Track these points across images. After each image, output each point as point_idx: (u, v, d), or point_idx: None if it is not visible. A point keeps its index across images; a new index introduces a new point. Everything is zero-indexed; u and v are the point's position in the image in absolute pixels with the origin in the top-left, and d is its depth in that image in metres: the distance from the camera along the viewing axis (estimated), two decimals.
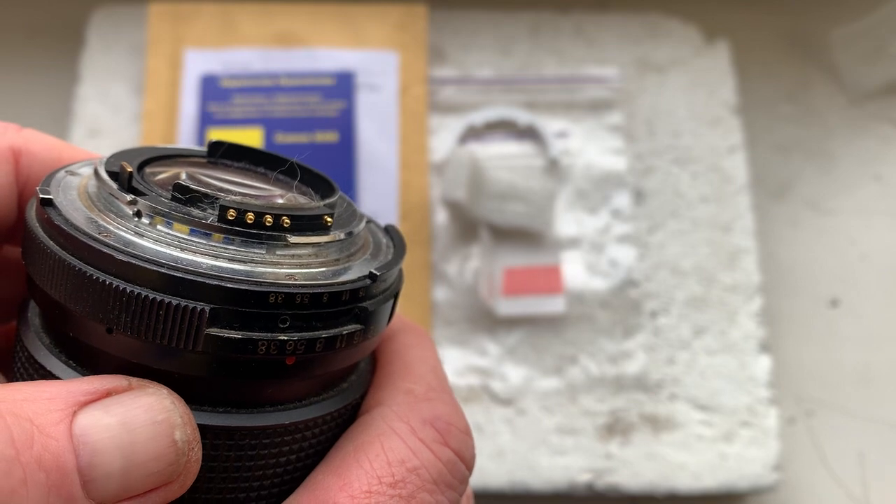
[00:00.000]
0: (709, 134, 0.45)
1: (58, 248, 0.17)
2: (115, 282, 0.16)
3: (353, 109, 0.43)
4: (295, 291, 0.17)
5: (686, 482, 0.38)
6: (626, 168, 0.44)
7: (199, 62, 0.44)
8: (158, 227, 0.17)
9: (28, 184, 0.20)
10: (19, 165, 0.19)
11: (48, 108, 0.46)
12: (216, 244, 0.17)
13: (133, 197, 0.17)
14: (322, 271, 0.18)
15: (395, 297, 0.20)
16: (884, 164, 0.47)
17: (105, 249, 0.16)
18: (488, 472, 0.38)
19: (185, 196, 0.17)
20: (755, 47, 0.49)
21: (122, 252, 0.16)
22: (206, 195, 0.17)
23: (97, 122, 0.44)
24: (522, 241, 0.41)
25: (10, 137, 0.20)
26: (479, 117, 0.44)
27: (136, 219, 0.17)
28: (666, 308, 0.41)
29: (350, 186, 0.42)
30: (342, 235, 0.18)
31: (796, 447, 0.41)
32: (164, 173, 0.19)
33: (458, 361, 0.40)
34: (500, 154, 0.43)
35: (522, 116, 0.44)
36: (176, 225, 0.17)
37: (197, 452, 0.16)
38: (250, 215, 0.17)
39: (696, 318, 0.41)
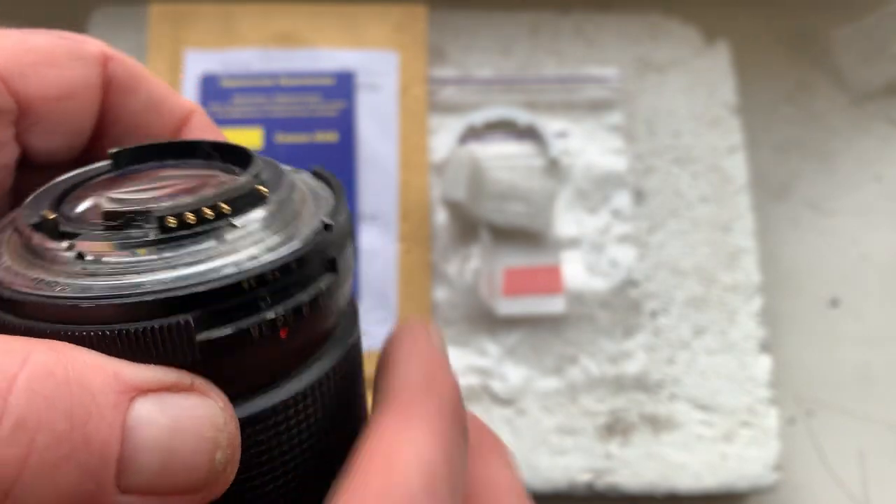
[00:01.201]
0: (709, 134, 0.45)
1: (24, 321, 0.16)
2: (94, 329, 0.15)
3: (353, 109, 0.43)
4: (263, 270, 0.16)
5: (686, 482, 0.38)
6: (626, 168, 0.44)
7: (199, 62, 0.44)
8: (105, 259, 0.16)
9: (111, 84, 0.20)
10: (106, 69, 0.20)
11: None
12: (168, 255, 0.17)
13: (69, 242, 0.17)
14: (279, 240, 0.17)
15: (351, 231, 0.20)
16: (884, 164, 0.47)
17: (70, 303, 0.16)
18: None
19: (118, 221, 0.17)
20: (755, 47, 0.49)
21: (87, 299, 0.16)
22: (137, 213, 0.17)
23: None
24: (522, 241, 0.41)
25: (99, 45, 0.20)
26: (479, 117, 0.44)
27: (81, 261, 0.16)
28: (666, 308, 0.41)
29: (350, 186, 0.42)
30: (282, 198, 0.18)
31: (796, 447, 0.41)
32: (82, 204, 0.19)
33: (458, 361, 0.40)
34: (500, 154, 0.43)
35: (522, 116, 0.44)
36: (122, 252, 0.16)
37: (230, 473, 0.15)
38: (189, 216, 0.17)
39: (696, 318, 0.41)
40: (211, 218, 0.17)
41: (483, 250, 0.41)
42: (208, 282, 0.16)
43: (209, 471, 0.15)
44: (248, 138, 0.42)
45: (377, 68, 0.44)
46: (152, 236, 0.16)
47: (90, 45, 0.20)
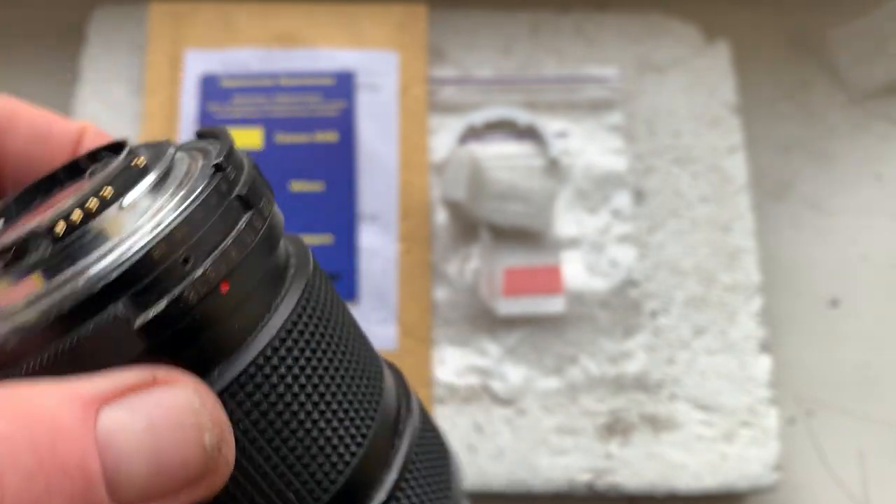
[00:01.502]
0: (709, 134, 0.45)
1: None
2: (31, 361, 0.15)
3: (353, 109, 0.43)
4: (170, 230, 0.16)
5: (686, 482, 0.38)
6: (626, 168, 0.44)
7: (199, 62, 0.44)
8: (11, 294, 0.16)
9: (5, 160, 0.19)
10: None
11: (48, 108, 0.46)
12: (74, 261, 0.16)
13: None
14: (175, 200, 0.17)
15: (255, 166, 0.19)
16: (884, 163, 0.47)
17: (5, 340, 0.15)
18: (488, 472, 0.38)
19: (11, 252, 0.16)
20: (755, 47, 0.48)
21: (11, 334, 0.15)
22: (27, 237, 0.16)
23: (97, 122, 0.44)
24: (522, 242, 0.41)
25: None
26: (479, 117, 0.44)
27: None
28: (666, 308, 0.41)
29: (350, 186, 0.42)
30: (167, 166, 0.17)
31: (796, 447, 0.41)
32: None
33: (458, 361, 0.40)
34: (500, 154, 0.43)
35: (522, 116, 0.44)
36: (33, 277, 0.16)
37: (227, 453, 0.15)
38: (75, 213, 0.16)
39: (696, 318, 0.41)
40: (96, 207, 0.16)
41: (483, 250, 0.41)
42: (121, 265, 0.15)
43: (203, 458, 0.14)
44: (248, 138, 0.42)
45: (377, 68, 0.44)
46: (49, 250, 0.16)
47: None
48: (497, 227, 0.41)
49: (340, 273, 0.41)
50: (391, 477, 0.20)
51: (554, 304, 0.40)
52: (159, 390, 0.14)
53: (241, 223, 0.17)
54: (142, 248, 0.15)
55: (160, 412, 0.14)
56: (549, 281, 0.40)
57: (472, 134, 0.44)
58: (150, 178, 0.17)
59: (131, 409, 0.14)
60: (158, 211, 0.16)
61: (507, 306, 0.40)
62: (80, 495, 0.13)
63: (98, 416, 0.13)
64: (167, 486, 0.14)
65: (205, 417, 0.14)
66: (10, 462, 0.12)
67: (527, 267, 0.40)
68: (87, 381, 0.14)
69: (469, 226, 0.42)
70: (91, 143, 0.21)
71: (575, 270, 0.41)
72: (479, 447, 0.39)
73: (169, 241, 0.16)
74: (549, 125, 0.44)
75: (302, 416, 0.18)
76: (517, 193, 0.41)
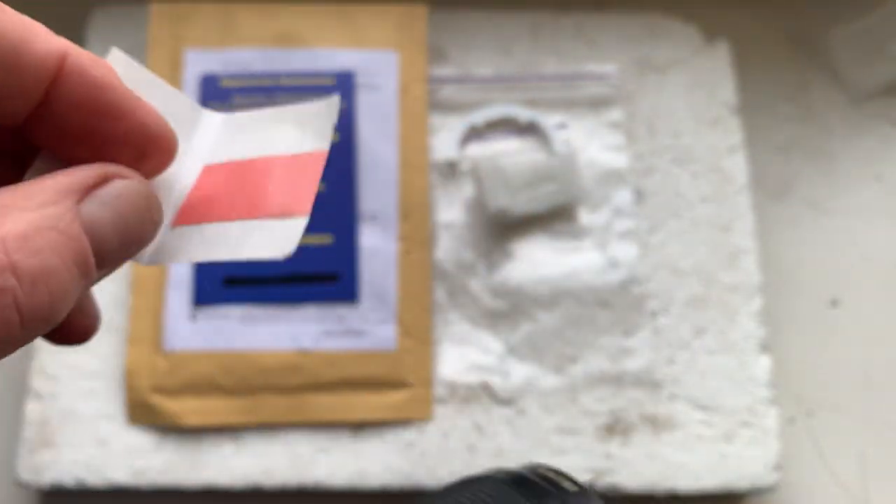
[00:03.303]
0: (709, 134, 0.45)
1: None
2: None
3: (352, 109, 0.43)
4: None
5: (686, 482, 0.38)
6: (626, 165, 0.44)
7: (199, 62, 0.44)
8: None
9: (57, 99, 0.17)
10: (57, 79, 0.17)
11: None
12: None
13: None
14: None
15: None
16: (884, 164, 0.47)
17: None
18: None
19: None
20: (755, 47, 0.49)
21: None
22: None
23: None
24: (555, 225, 0.42)
25: (64, 44, 0.17)
26: (480, 116, 0.44)
27: None
28: (666, 308, 0.41)
29: (350, 186, 0.42)
30: None
31: (796, 447, 0.41)
32: None
33: (458, 361, 0.40)
34: (504, 151, 0.43)
35: (523, 113, 0.44)
36: None
37: (159, 220, 0.19)
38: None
39: (696, 318, 0.41)
40: None
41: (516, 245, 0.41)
42: None
43: (154, 226, 0.19)
44: None
45: (377, 68, 0.44)
46: None
47: None
48: (532, 216, 0.41)
49: (340, 273, 0.41)
50: None
51: (281, 235, 0.19)
52: (117, 183, 0.17)
53: None
54: None
55: (123, 202, 0.17)
56: (295, 185, 0.20)
57: (474, 133, 0.44)
58: None
59: (102, 202, 0.17)
60: None
61: (174, 241, 0.20)
62: (82, 262, 0.16)
63: (80, 208, 0.17)
64: (130, 252, 0.18)
65: (153, 199, 0.18)
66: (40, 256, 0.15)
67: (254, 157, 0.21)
68: (64, 180, 0.17)
69: (503, 227, 0.42)
70: (74, 83, 0.17)
71: (576, 269, 0.41)
72: (479, 447, 0.39)
73: None
74: (550, 122, 0.44)
75: None
76: (542, 174, 0.41)
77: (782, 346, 0.43)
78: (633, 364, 0.40)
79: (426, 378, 0.40)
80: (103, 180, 0.17)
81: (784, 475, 0.39)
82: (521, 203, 0.41)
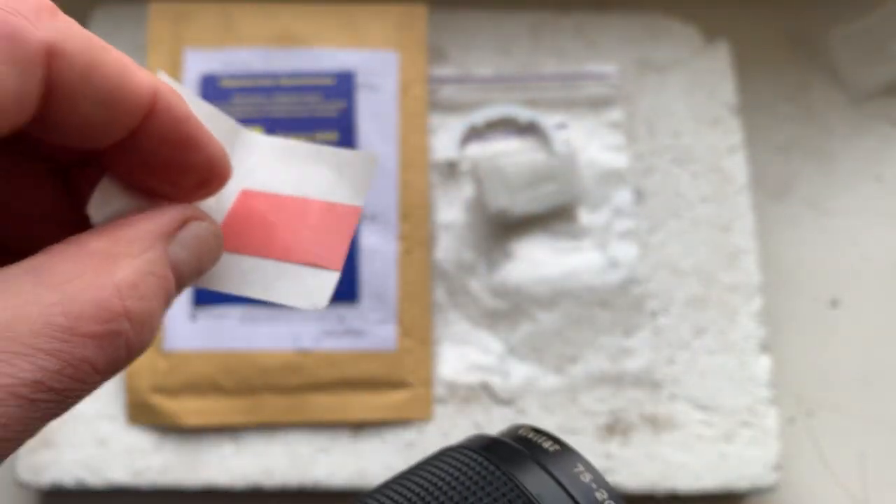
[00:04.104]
0: (709, 134, 0.45)
1: None
2: None
3: (353, 109, 0.43)
4: None
5: (686, 482, 0.38)
6: (626, 165, 0.44)
7: (199, 62, 0.44)
8: None
9: (54, 88, 0.16)
10: (51, 70, 0.16)
11: None
12: None
13: None
14: None
15: None
16: (884, 164, 0.47)
17: None
18: None
19: None
20: (755, 47, 0.49)
21: None
22: None
23: None
24: (553, 225, 0.42)
25: (45, 29, 0.16)
26: (480, 116, 0.44)
27: None
28: (666, 308, 0.41)
29: None
30: None
31: (796, 447, 0.41)
32: None
33: (458, 361, 0.40)
34: (504, 151, 0.43)
35: (523, 113, 0.44)
36: None
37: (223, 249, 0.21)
38: None
39: (696, 318, 0.41)
40: None
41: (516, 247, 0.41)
42: None
43: (217, 260, 0.20)
44: None
45: (377, 68, 0.44)
46: None
47: (32, 40, 0.15)
48: (533, 216, 0.41)
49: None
50: None
51: (313, 288, 0.20)
52: (194, 226, 0.19)
53: None
54: None
55: (198, 242, 0.19)
56: (328, 238, 0.21)
57: (474, 133, 0.44)
58: None
59: (182, 244, 0.18)
60: None
61: (221, 275, 0.22)
62: (170, 299, 0.18)
63: (167, 251, 0.18)
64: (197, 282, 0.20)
65: (220, 238, 0.20)
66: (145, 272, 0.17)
67: (291, 196, 0.21)
68: (154, 226, 0.18)
69: (503, 227, 0.42)
70: (163, 117, 0.18)
71: (576, 269, 0.41)
72: None
73: None
74: (550, 122, 0.44)
75: None
76: (542, 174, 0.41)
77: (782, 346, 0.43)
78: (633, 364, 0.40)
79: (426, 378, 0.40)
80: (184, 223, 0.18)
81: (784, 475, 0.39)
82: (521, 203, 0.41)
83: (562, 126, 0.44)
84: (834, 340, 0.44)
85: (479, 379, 0.40)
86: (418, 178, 0.43)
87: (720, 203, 0.43)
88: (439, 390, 0.40)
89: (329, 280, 0.19)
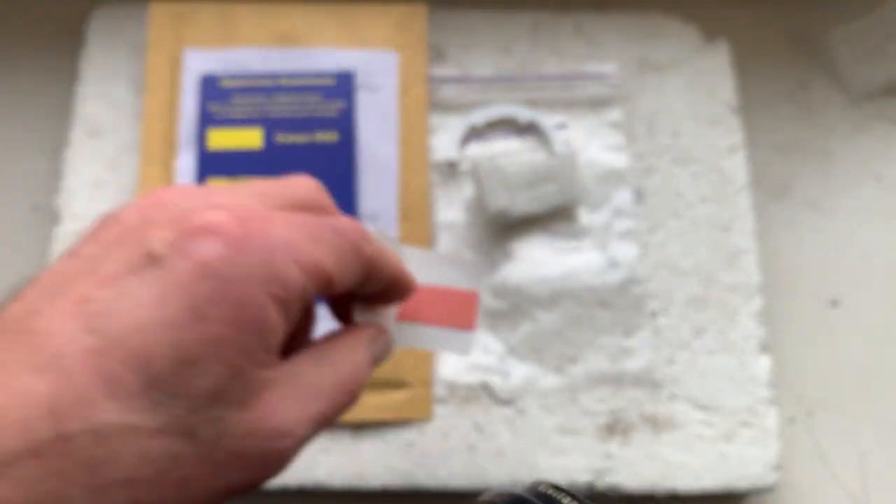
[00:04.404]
0: (709, 134, 0.45)
1: None
2: None
3: (353, 109, 0.43)
4: None
5: (686, 482, 0.38)
6: (626, 165, 0.44)
7: (199, 62, 0.44)
8: None
9: (368, 278, 0.26)
10: (369, 268, 0.26)
11: (48, 108, 0.46)
12: None
13: None
14: None
15: None
16: (884, 163, 0.47)
17: None
18: (488, 472, 0.38)
19: None
20: (755, 47, 0.49)
21: None
22: None
23: (97, 121, 0.44)
24: (553, 226, 0.42)
25: (369, 247, 0.25)
26: (480, 116, 0.44)
27: None
28: (666, 308, 0.41)
29: (350, 186, 0.42)
30: None
31: (796, 447, 0.41)
32: None
33: (458, 361, 0.40)
34: (504, 151, 0.43)
35: (523, 113, 0.44)
36: None
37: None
38: None
39: (696, 318, 0.41)
40: None
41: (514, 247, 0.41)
42: None
43: (391, 352, 0.29)
44: (248, 138, 0.42)
45: (377, 68, 0.44)
46: None
47: (367, 251, 0.25)
48: (532, 216, 0.41)
49: None
50: None
51: (460, 343, 0.32)
52: (381, 338, 0.28)
53: None
54: None
55: (382, 346, 0.28)
56: (462, 311, 0.31)
57: (474, 133, 0.44)
58: None
59: (374, 348, 0.27)
60: None
61: (400, 336, 0.31)
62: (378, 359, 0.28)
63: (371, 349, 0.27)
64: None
65: (392, 343, 0.29)
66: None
67: (437, 287, 0.31)
68: (369, 338, 0.27)
69: (503, 227, 0.42)
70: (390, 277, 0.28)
71: (576, 269, 0.41)
72: (479, 447, 0.39)
73: None
74: (550, 121, 0.44)
75: None
76: (542, 174, 0.41)
77: (782, 346, 0.43)
78: (633, 364, 0.40)
79: (426, 378, 0.40)
80: (378, 334, 0.28)
81: (784, 475, 0.39)
82: (521, 203, 0.41)
83: (562, 126, 0.44)
84: (834, 340, 0.44)
85: (479, 379, 0.40)
86: (418, 178, 0.43)
87: (720, 203, 0.43)
88: (439, 390, 0.40)
89: (471, 336, 0.31)
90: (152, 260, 0.20)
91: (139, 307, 0.19)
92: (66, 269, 0.21)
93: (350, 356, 0.26)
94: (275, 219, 0.22)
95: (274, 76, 0.44)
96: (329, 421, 0.24)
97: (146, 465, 0.19)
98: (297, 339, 0.26)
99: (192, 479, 0.20)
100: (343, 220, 0.24)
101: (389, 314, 0.29)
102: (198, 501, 0.21)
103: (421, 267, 0.30)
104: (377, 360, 0.28)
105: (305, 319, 0.27)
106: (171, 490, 0.20)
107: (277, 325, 0.21)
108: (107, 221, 0.22)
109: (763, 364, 0.40)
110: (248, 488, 0.22)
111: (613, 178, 0.43)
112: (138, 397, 0.19)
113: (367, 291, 0.27)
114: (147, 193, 0.23)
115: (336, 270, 0.23)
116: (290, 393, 0.22)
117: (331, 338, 0.26)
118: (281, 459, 0.22)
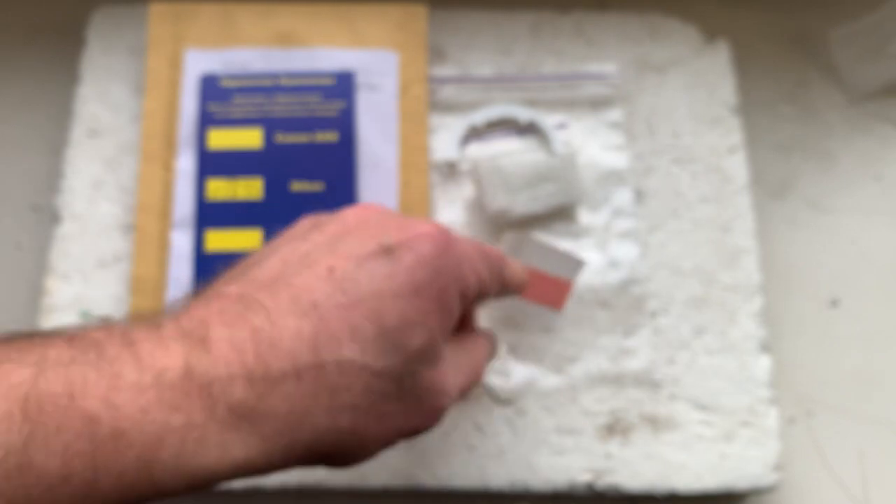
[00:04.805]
0: (709, 134, 0.45)
1: None
2: None
3: (353, 109, 0.43)
4: None
5: (686, 482, 0.38)
6: (626, 165, 0.44)
7: (199, 62, 0.44)
8: None
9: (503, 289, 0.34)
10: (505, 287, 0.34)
11: (48, 108, 0.46)
12: None
13: None
14: None
15: None
16: (884, 163, 0.47)
17: None
18: (488, 472, 0.38)
19: None
20: (755, 47, 0.49)
21: None
22: None
23: (97, 122, 0.44)
24: (554, 226, 0.42)
25: (511, 268, 0.35)
26: (480, 116, 0.44)
27: None
28: (666, 308, 0.41)
29: (350, 186, 0.42)
30: None
31: (796, 447, 0.41)
32: None
33: None
34: (504, 151, 0.43)
35: (523, 113, 0.44)
36: None
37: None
38: None
39: (696, 318, 0.41)
40: None
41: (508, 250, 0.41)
42: None
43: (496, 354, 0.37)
44: (248, 138, 0.42)
45: (377, 68, 0.44)
46: None
47: (504, 269, 0.33)
48: (536, 216, 0.41)
49: None
50: None
51: (549, 320, 0.41)
52: (495, 341, 0.37)
53: None
54: None
55: (495, 348, 0.36)
56: (556, 294, 0.40)
57: (474, 133, 0.44)
58: None
59: (488, 348, 0.35)
60: None
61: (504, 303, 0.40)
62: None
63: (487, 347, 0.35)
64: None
65: (497, 348, 0.38)
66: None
67: (542, 273, 0.39)
68: (486, 339, 0.35)
69: (503, 227, 0.42)
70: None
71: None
72: (479, 447, 0.39)
73: None
74: (550, 121, 0.44)
75: None
76: (542, 174, 0.41)
77: (782, 346, 0.43)
78: (633, 364, 0.40)
79: None
80: (495, 339, 0.36)
81: (784, 475, 0.39)
82: (521, 203, 0.41)
83: (562, 126, 0.44)
84: (834, 340, 0.44)
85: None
86: (418, 178, 0.43)
87: (720, 203, 0.43)
88: None
89: (558, 315, 0.41)
90: (386, 249, 0.26)
91: (376, 279, 0.26)
92: (302, 247, 0.27)
93: (479, 349, 0.33)
94: (461, 238, 0.29)
95: (274, 76, 0.44)
96: (464, 393, 0.31)
97: (366, 397, 0.25)
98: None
99: (390, 415, 0.26)
100: (494, 249, 0.32)
101: None
102: (386, 434, 0.27)
103: (535, 254, 0.38)
104: (490, 357, 0.35)
105: (465, 319, 0.34)
106: (374, 420, 0.26)
107: (456, 313, 0.28)
108: (324, 220, 0.29)
109: (763, 364, 0.40)
110: (415, 433, 0.28)
111: (613, 178, 0.43)
112: (372, 344, 0.25)
113: (499, 297, 0.34)
114: (354, 206, 0.30)
115: (489, 282, 0.30)
116: (451, 365, 0.29)
117: (467, 334, 0.33)
118: (441, 412, 0.28)
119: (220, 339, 0.23)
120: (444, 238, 0.28)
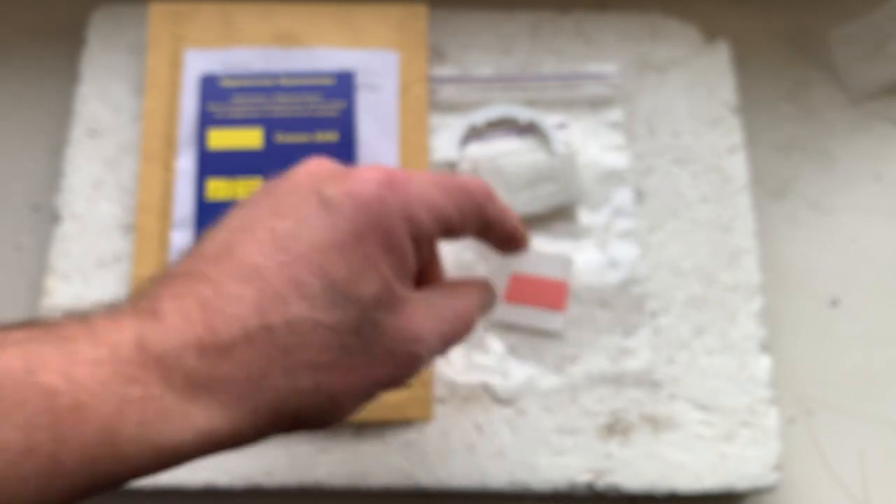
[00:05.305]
0: (709, 134, 0.45)
1: None
2: None
3: (353, 109, 0.43)
4: None
5: (686, 482, 0.38)
6: (626, 165, 0.44)
7: (199, 62, 0.44)
8: None
9: (487, 228, 0.31)
10: (486, 221, 0.31)
11: (48, 108, 0.46)
12: None
13: None
14: None
15: None
16: (884, 163, 0.47)
17: None
18: (488, 471, 0.38)
19: None
20: (755, 47, 0.49)
21: None
22: None
23: (97, 121, 0.44)
24: (552, 226, 0.42)
25: (493, 207, 0.30)
26: (480, 116, 0.44)
27: None
28: (666, 308, 0.41)
29: None
30: None
31: (796, 447, 0.41)
32: None
33: (458, 361, 0.40)
34: (504, 152, 0.43)
35: (523, 113, 0.44)
36: None
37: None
38: None
39: (696, 318, 0.41)
40: None
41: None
42: None
43: (494, 304, 0.34)
44: (248, 138, 0.42)
45: (377, 68, 0.44)
46: None
47: (490, 208, 0.30)
48: (535, 216, 0.41)
49: None
50: None
51: (552, 321, 0.40)
52: (489, 291, 0.33)
53: None
54: None
55: (489, 298, 0.33)
56: (554, 296, 0.40)
57: (474, 133, 0.44)
58: None
59: (481, 296, 0.32)
60: None
61: (506, 313, 0.40)
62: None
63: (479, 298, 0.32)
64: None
65: (495, 297, 0.34)
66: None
67: (534, 277, 0.40)
68: (479, 291, 0.32)
69: None
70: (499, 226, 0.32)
71: (576, 268, 0.41)
72: (479, 447, 0.39)
73: None
74: (550, 121, 0.44)
75: None
76: (542, 174, 0.41)
77: (782, 346, 0.43)
78: (633, 364, 0.40)
79: (426, 378, 0.40)
80: (488, 289, 0.33)
81: (784, 475, 0.39)
82: (521, 203, 0.41)
83: (562, 126, 0.44)
84: (834, 340, 0.44)
85: (480, 379, 0.40)
86: None
87: (720, 203, 0.43)
88: (439, 390, 0.40)
89: (560, 316, 0.40)
90: (325, 201, 0.26)
91: (317, 232, 0.25)
92: (249, 213, 0.27)
93: (467, 296, 0.31)
94: (414, 176, 0.28)
95: (274, 76, 0.44)
96: (450, 342, 0.29)
97: (325, 353, 0.25)
98: (426, 278, 0.32)
99: (356, 368, 0.26)
100: (474, 182, 0.29)
101: (499, 295, 0.38)
102: (357, 388, 0.26)
103: (524, 262, 0.39)
104: (483, 307, 0.32)
105: (432, 263, 0.32)
106: (340, 376, 0.25)
107: (411, 256, 0.27)
108: (276, 182, 0.28)
109: (763, 364, 0.40)
110: (393, 384, 0.27)
111: (613, 178, 0.43)
112: (321, 298, 0.25)
113: (488, 241, 0.32)
114: (305, 163, 0.28)
115: (458, 220, 0.28)
116: (423, 311, 0.28)
117: (453, 282, 0.32)
118: (416, 360, 0.27)
119: (169, 310, 0.24)
120: (388, 179, 0.27)
